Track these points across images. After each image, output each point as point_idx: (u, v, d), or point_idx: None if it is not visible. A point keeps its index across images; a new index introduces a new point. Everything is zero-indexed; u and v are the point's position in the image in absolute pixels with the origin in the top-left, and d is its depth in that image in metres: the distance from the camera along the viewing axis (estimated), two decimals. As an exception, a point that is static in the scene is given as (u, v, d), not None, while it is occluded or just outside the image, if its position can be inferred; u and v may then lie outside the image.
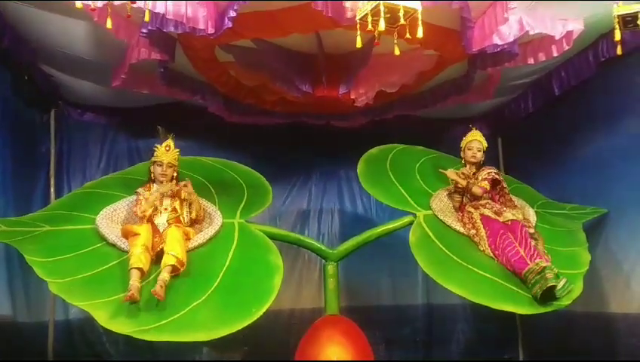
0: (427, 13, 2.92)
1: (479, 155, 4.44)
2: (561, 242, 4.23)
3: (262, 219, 5.08)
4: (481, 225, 4.10)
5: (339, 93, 4.67)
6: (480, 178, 4.34)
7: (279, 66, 4.66)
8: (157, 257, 3.58)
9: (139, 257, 3.39)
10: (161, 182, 3.96)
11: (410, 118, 5.84)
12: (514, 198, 4.49)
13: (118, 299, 3.24)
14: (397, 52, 2.97)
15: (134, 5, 3.14)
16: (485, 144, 4.52)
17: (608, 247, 4.58)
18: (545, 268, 3.60)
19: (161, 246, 3.58)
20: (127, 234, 3.65)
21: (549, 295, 3.58)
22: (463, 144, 4.53)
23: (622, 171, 4.47)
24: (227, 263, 3.69)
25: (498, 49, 3.88)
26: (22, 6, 3.87)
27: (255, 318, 3.37)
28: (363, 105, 4.99)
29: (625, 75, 4.40)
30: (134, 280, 3.29)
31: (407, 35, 2.81)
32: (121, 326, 3.15)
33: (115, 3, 3.12)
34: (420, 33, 2.74)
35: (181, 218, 3.87)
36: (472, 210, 4.23)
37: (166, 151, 3.95)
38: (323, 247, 4.53)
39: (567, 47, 4.06)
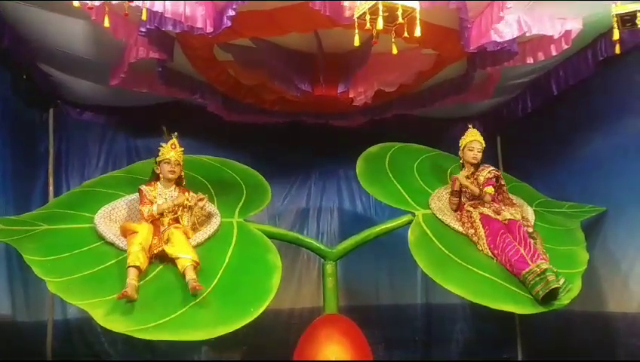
0: (425, 12, 2.92)
1: (479, 156, 4.41)
2: (560, 241, 4.24)
3: (261, 218, 5.09)
4: (480, 225, 4.10)
5: (337, 92, 4.67)
6: (482, 178, 4.33)
7: (278, 65, 4.66)
8: (155, 258, 3.58)
9: (136, 255, 3.39)
10: (170, 180, 3.94)
11: (409, 118, 5.84)
12: (512, 197, 4.49)
13: (116, 298, 3.23)
14: (394, 51, 2.98)
15: (132, 4, 3.14)
16: (484, 144, 4.50)
17: (607, 246, 4.58)
18: (546, 269, 3.60)
19: (160, 249, 3.58)
20: (125, 232, 3.65)
21: (549, 296, 3.58)
22: (462, 143, 4.48)
23: (621, 170, 4.47)
24: (226, 262, 3.70)
25: (497, 48, 3.88)
26: (21, 5, 3.86)
27: (254, 317, 3.37)
28: (362, 105, 4.99)
29: (623, 74, 4.41)
30: (131, 278, 3.29)
31: (405, 34, 2.81)
32: (120, 325, 3.15)
33: (113, 2, 3.12)
34: (418, 32, 2.74)
35: (180, 220, 3.86)
36: (471, 209, 4.23)
37: (172, 149, 3.95)
38: (322, 246, 4.54)
39: (565, 47, 4.06)
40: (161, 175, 3.96)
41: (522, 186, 5.05)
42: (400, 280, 6.12)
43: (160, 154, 3.96)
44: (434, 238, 4.04)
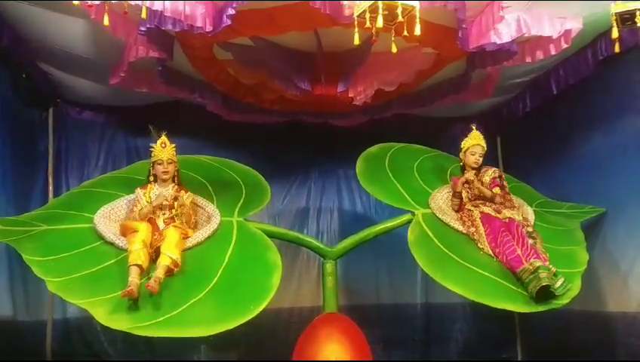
0: (425, 11, 2.92)
1: (480, 161, 4.40)
2: (560, 241, 4.23)
3: (261, 218, 5.08)
4: (480, 224, 4.10)
5: (337, 91, 4.67)
6: (488, 178, 4.34)
7: (278, 64, 4.66)
8: (156, 255, 3.57)
9: (138, 254, 3.39)
10: (164, 180, 3.95)
11: (408, 117, 5.84)
12: (513, 197, 4.50)
13: (116, 297, 3.24)
14: (394, 49, 2.98)
15: (132, 3, 3.14)
16: (486, 147, 4.46)
17: (606, 246, 4.58)
18: (538, 267, 3.61)
19: (159, 244, 3.58)
20: (125, 231, 3.65)
21: (547, 294, 3.59)
22: (464, 146, 4.45)
23: (620, 169, 4.48)
24: (225, 261, 3.70)
25: (497, 47, 3.88)
26: (20, 5, 3.86)
27: (253, 316, 3.37)
28: (362, 104, 4.99)
29: (623, 73, 4.41)
30: (134, 276, 3.30)
31: (405, 33, 2.81)
32: (119, 323, 3.15)
33: (113, 1, 3.12)
34: (417, 31, 2.74)
35: (176, 219, 3.86)
36: (472, 208, 4.23)
37: (162, 149, 3.94)
38: (321, 245, 4.54)
39: (565, 46, 4.06)
40: (153, 175, 3.96)
41: (522, 186, 5.05)
42: (400, 280, 6.12)
43: (152, 155, 3.96)
44: (434, 237, 4.04)
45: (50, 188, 5.31)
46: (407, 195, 4.46)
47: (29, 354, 4.75)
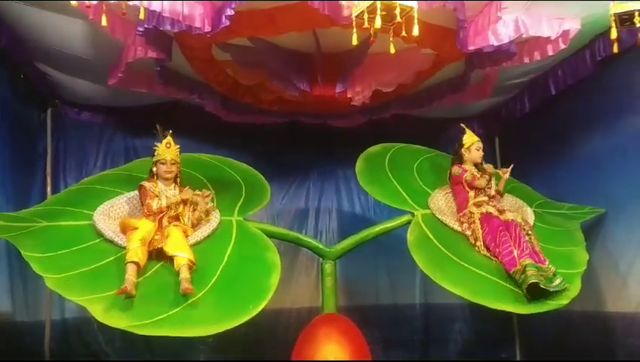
0: (423, 12, 2.93)
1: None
2: (559, 242, 4.24)
3: (260, 218, 5.08)
4: (479, 226, 4.10)
5: (336, 92, 4.67)
6: (491, 170, 4.38)
7: (276, 65, 4.65)
8: (156, 255, 3.58)
9: (135, 251, 3.39)
10: (167, 180, 3.93)
11: (407, 118, 5.83)
12: (512, 198, 4.50)
13: (114, 295, 3.23)
14: (392, 50, 2.97)
15: (130, 3, 3.13)
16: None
17: (605, 246, 4.58)
18: (526, 266, 3.62)
19: (161, 245, 3.58)
20: (125, 228, 3.65)
21: (540, 292, 3.59)
22: (467, 143, 4.46)
23: (619, 169, 4.48)
24: (225, 260, 3.70)
25: (495, 48, 3.88)
26: (19, 5, 3.86)
27: (252, 316, 3.37)
28: (360, 105, 4.98)
29: (621, 73, 4.41)
30: (130, 274, 3.30)
31: (403, 33, 2.81)
32: (118, 321, 3.15)
33: (111, 1, 3.12)
34: (416, 31, 2.73)
35: (181, 218, 3.85)
36: (473, 209, 4.22)
37: (167, 149, 3.93)
38: (321, 246, 4.54)
39: (563, 47, 4.06)
40: (155, 175, 3.95)
41: (521, 187, 5.05)
42: (399, 280, 6.13)
43: (156, 154, 3.95)
44: (433, 238, 4.05)
45: (49, 188, 5.30)
46: (406, 196, 4.46)
47: (27, 354, 4.74)
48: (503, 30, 3.79)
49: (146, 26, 3.58)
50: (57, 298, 3.43)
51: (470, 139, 4.47)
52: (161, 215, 3.76)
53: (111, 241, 3.65)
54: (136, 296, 3.24)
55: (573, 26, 3.92)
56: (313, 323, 4.25)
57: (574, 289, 3.74)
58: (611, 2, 3.23)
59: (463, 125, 4.57)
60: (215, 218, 4.02)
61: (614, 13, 3.21)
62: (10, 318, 4.50)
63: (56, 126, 5.46)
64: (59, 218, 3.80)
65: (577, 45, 4.33)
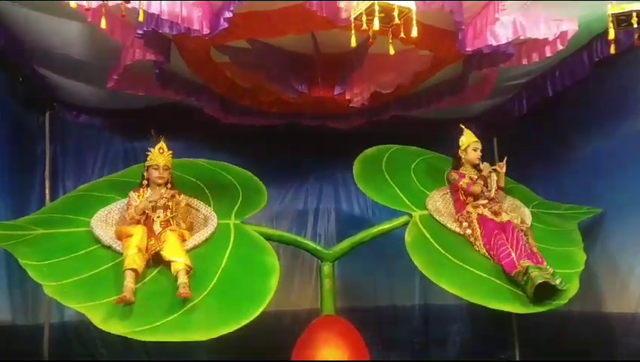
0: (422, 13, 2.93)
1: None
2: (557, 242, 4.25)
3: (258, 220, 5.07)
4: (477, 225, 4.11)
5: (334, 93, 4.67)
6: (487, 170, 4.39)
7: (275, 67, 4.66)
8: (152, 260, 3.58)
9: (133, 258, 3.39)
10: (159, 185, 3.93)
11: (406, 119, 5.83)
12: (510, 199, 4.50)
13: (113, 301, 3.23)
14: (392, 51, 2.98)
15: (129, 6, 3.13)
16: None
17: (605, 247, 4.59)
18: (528, 267, 3.62)
19: (157, 250, 3.57)
20: (121, 236, 3.65)
21: (546, 291, 3.60)
22: (464, 143, 4.48)
23: (618, 170, 4.49)
24: (223, 264, 3.70)
25: (493, 49, 3.88)
26: (17, 7, 3.85)
27: (251, 319, 3.37)
28: (359, 106, 4.99)
29: (619, 74, 4.43)
30: (128, 281, 3.30)
31: (402, 35, 2.81)
32: (117, 327, 3.15)
33: (110, 3, 3.12)
34: (414, 33, 2.74)
35: (172, 222, 3.85)
36: (471, 209, 4.24)
37: (160, 154, 3.93)
38: (319, 248, 4.54)
39: (560, 48, 4.07)
40: (147, 180, 3.95)
41: (519, 188, 5.06)
42: (397, 282, 6.13)
43: (148, 159, 3.94)
44: (431, 239, 4.06)
45: (47, 191, 5.29)
46: (404, 197, 4.47)
47: (27, 356, 4.74)
48: (501, 31, 3.80)
49: (144, 28, 3.58)
50: (56, 302, 3.43)
51: (467, 140, 4.48)
52: (143, 218, 3.75)
53: (109, 247, 3.66)
54: (135, 302, 3.24)
55: (571, 27, 3.93)
56: (312, 325, 4.25)
57: (573, 289, 3.75)
58: (609, 3, 3.24)
59: (462, 125, 4.58)
60: (213, 222, 4.01)
61: (612, 14, 3.22)
62: (10, 322, 4.49)
63: (54, 129, 5.45)
64: (56, 225, 3.80)
65: (575, 46, 4.34)
